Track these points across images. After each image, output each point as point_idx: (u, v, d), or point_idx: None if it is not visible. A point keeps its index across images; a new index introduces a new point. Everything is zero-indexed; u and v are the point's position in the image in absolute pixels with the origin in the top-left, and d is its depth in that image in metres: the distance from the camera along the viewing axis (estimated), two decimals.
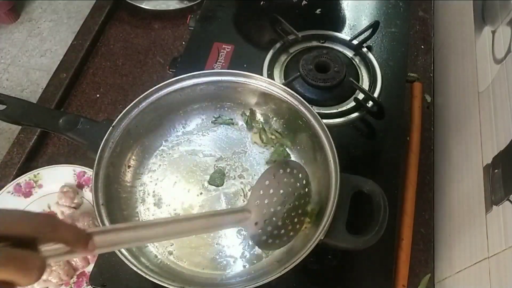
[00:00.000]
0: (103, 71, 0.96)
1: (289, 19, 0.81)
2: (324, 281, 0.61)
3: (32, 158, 0.84)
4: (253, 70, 0.67)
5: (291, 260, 0.51)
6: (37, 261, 0.34)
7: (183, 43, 1.00)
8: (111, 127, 0.60)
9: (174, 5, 1.03)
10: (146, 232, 0.44)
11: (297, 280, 0.60)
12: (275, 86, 0.65)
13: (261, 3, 0.90)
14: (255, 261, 0.60)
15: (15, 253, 0.33)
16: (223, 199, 0.65)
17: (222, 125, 0.71)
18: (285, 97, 0.64)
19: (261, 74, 0.74)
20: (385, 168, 0.70)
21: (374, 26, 0.81)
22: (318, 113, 0.62)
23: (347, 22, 0.86)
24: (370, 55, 0.80)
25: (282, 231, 0.55)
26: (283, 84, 0.65)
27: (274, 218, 0.54)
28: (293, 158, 0.68)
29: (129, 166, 0.65)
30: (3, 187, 0.78)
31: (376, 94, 0.75)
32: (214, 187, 0.66)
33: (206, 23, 0.86)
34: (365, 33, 0.81)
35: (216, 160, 0.68)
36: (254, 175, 0.66)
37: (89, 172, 0.79)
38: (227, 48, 0.82)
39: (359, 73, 0.79)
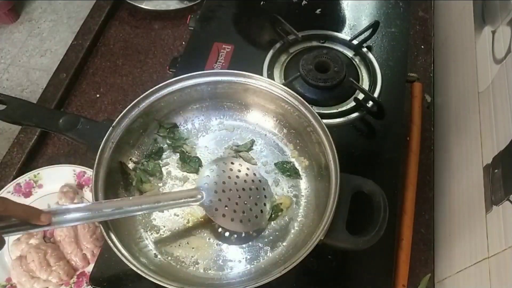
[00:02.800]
0: (103, 71, 0.96)
1: (289, 19, 0.81)
2: (324, 281, 0.61)
3: (32, 158, 0.84)
4: (253, 70, 0.67)
5: (291, 260, 0.51)
6: None
7: (183, 43, 1.00)
8: (111, 127, 0.60)
9: (174, 5, 1.03)
10: (102, 211, 0.51)
11: (297, 280, 0.60)
12: (275, 86, 0.65)
13: (261, 3, 0.89)
14: (255, 261, 0.60)
15: None
16: None
17: (222, 125, 0.71)
18: (285, 97, 0.64)
19: (261, 74, 0.74)
20: (385, 168, 0.70)
21: (374, 26, 0.81)
22: (318, 113, 0.62)
23: (347, 22, 0.86)
24: (370, 55, 0.80)
25: (241, 213, 0.58)
26: (283, 84, 0.65)
27: (229, 199, 0.58)
28: (294, 159, 0.68)
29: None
30: (3, 187, 0.78)
31: (376, 94, 0.75)
32: None
33: (206, 23, 0.86)
34: (365, 33, 0.81)
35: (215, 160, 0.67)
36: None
37: (89, 172, 0.79)
38: (227, 48, 0.82)
39: (359, 73, 0.79)
